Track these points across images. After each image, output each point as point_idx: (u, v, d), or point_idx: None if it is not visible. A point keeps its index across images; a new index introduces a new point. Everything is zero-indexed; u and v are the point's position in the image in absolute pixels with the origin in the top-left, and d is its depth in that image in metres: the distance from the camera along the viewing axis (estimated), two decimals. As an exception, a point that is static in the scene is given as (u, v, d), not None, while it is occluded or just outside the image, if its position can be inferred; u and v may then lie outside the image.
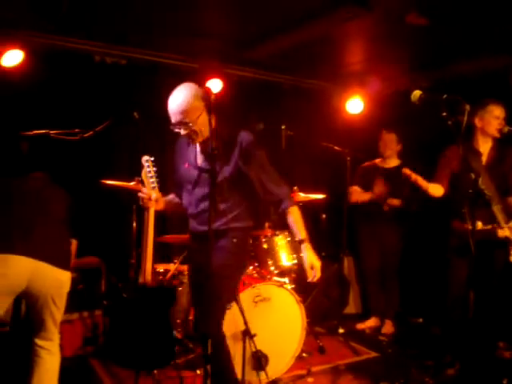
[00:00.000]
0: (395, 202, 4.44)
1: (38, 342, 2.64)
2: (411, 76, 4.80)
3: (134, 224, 3.77)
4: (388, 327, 4.58)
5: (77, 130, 3.27)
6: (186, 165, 2.70)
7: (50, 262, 2.59)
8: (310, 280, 2.51)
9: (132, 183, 3.64)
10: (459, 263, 3.49)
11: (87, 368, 3.55)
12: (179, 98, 2.54)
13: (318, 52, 4.41)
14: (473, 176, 1.97)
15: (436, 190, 3.46)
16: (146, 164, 2.62)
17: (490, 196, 2.45)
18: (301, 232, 2.57)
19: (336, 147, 4.41)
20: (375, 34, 4.01)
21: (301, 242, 2.56)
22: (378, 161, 4.68)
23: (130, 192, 3.73)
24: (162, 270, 3.71)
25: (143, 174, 2.60)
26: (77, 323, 3.74)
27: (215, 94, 4.14)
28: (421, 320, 4.91)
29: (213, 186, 2.19)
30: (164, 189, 2.76)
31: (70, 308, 3.65)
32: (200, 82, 4.25)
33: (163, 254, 4.31)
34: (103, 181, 3.59)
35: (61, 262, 2.66)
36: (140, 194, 2.63)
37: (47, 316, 2.62)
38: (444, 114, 2.05)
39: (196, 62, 4.46)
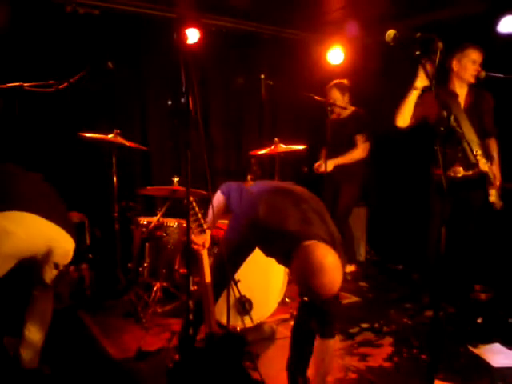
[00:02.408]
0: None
1: (36, 293, 2.68)
2: (390, 23, 4.73)
3: (115, 178, 3.76)
4: (352, 267, 4.74)
5: (51, 82, 3.18)
6: None
7: (66, 229, 2.54)
8: None
9: (110, 135, 3.61)
10: (439, 207, 3.58)
11: (76, 320, 3.61)
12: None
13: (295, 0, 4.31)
14: (445, 114, 1.97)
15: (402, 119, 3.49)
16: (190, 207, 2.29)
17: (462, 133, 2.47)
18: None
19: (317, 97, 4.38)
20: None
21: None
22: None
23: (109, 144, 3.71)
24: (145, 223, 3.73)
25: (189, 218, 2.30)
26: (63, 277, 3.75)
27: (193, 45, 4.08)
28: (401, 267, 5.06)
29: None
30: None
31: (55, 262, 3.71)
32: (180, 30, 4.21)
33: (146, 206, 4.34)
34: (81, 134, 3.54)
35: (72, 232, 2.63)
36: (193, 246, 2.34)
37: (46, 275, 2.61)
38: (417, 52, 2.03)
39: (172, 12, 4.33)
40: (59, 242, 2.56)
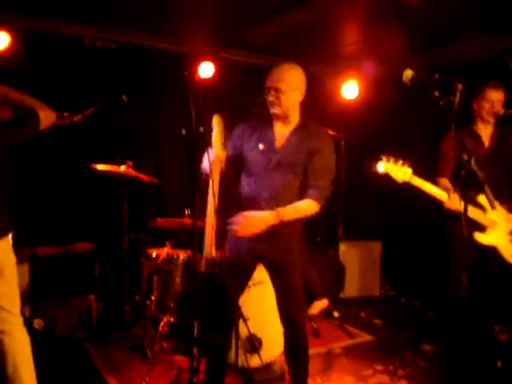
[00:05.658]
0: None
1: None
2: (407, 59, 4.73)
3: (125, 209, 3.75)
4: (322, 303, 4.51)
5: (66, 114, 3.21)
6: (262, 146, 2.61)
7: None
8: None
9: (122, 168, 3.62)
10: (460, 251, 3.44)
11: (81, 351, 3.55)
12: (289, 67, 2.64)
13: (311, 35, 4.34)
14: (465, 157, 1.92)
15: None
16: (215, 122, 2.49)
17: (483, 177, 2.39)
18: (288, 210, 2.54)
19: (330, 131, 4.36)
20: (367, 15, 3.94)
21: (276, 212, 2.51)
22: None
23: (121, 176, 3.71)
24: (154, 255, 3.69)
25: (214, 134, 2.45)
26: (70, 307, 3.72)
27: (207, 79, 4.12)
28: (417, 303, 4.92)
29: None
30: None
31: (63, 292, 3.69)
32: (192, 66, 4.27)
33: (156, 238, 4.30)
34: (93, 165, 3.55)
35: None
36: (212, 157, 2.41)
37: None
38: (436, 94, 1.98)
39: (187, 46, 4.40)
40: None
